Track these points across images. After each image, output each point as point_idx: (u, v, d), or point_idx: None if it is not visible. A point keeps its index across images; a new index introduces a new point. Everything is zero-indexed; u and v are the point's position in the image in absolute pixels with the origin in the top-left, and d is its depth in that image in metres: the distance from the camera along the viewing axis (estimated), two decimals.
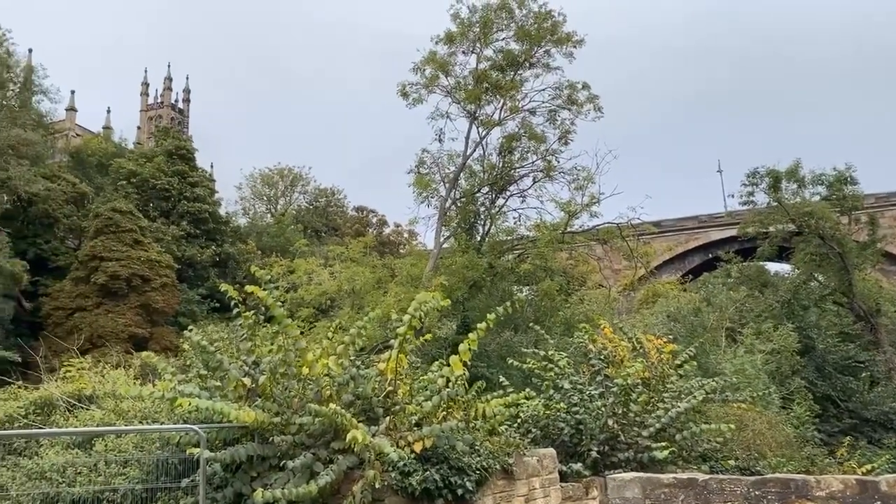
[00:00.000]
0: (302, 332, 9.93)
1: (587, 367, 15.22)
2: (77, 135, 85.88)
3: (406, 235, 70.86)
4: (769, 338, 25.92)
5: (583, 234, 30.05)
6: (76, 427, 9.87)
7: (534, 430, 12.91)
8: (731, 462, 13.74)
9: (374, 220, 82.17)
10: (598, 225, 29.43)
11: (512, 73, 29.44)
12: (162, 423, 9.44)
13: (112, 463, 8.74)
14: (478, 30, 29.14)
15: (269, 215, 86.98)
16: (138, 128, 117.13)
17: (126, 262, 46.39)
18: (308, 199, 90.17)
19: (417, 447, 8.58)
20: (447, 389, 9.28)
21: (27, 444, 9.61)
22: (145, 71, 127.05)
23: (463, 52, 30.01)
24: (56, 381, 12.07)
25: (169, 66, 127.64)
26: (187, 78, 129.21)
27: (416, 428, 9.07)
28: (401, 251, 62.75)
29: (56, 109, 68.28)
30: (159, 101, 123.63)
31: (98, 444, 9.22)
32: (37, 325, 47.36)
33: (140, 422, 9.81)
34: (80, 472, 8.84)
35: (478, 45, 29.51)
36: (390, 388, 9.19)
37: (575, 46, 29.45)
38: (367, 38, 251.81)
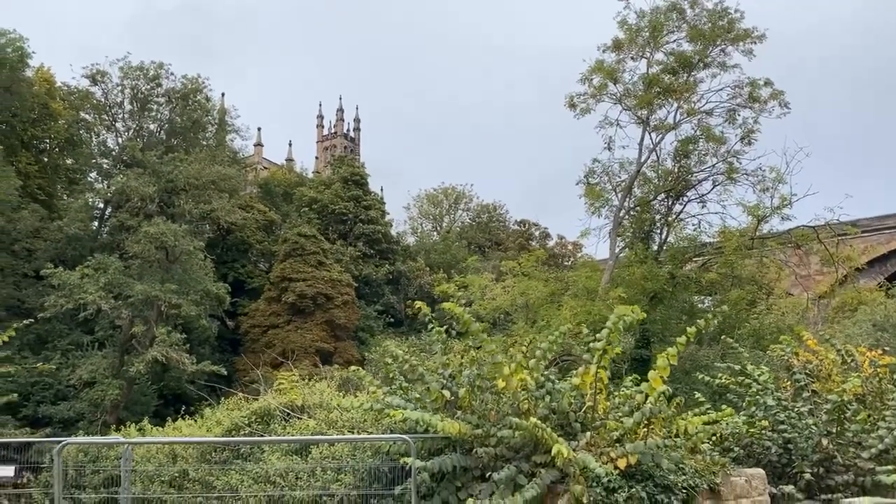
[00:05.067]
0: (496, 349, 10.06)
1: (790, 383, 14.08)
2: (264, 167, 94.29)
3: (570, 248, 69.99)
4: None
5: (773, 238, 28.00)
6: (293, 435, 10.72)
7: (736, 448, 12.12)
8: None
9: (537, 233, 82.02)
10: (791, 228, 27.32)
11: (685, 74, 28.28)
12: (370, 433, 9.98)
13: (328, 469, 9.39)
14: (647, 34, 28.38)
15: (435, 233, 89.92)
16: (316, 157, 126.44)
17: (311, 282, 50.08)
18: (471, 216, 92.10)
19: (621, 463, 8.38)
20: (649, 405, 8.97)
21: (252, 449, 10.56)
22: (319, 105, 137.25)
23: (631, 58, 29.39)
24: (270, 392, 13.22)
25: (340, 98, 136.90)
26: (357, 108, 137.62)
27: (616, 444, 8.86)
28: (565, 264, 62.02)
29: (246, 146, 75.67)
30: (333, 131, 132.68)
31: (314, 451, 9.95)
32: (237, 342, 52.40)
33: (349, 431, 10.45)
34: (299, 477, 9.58)
35: (647, 49, 28.74)
36: (589, 403, 9.06)
37: (754, 43, 27.77)
38: (524, 59, 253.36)
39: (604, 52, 29.39)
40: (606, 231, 29.11)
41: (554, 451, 7.90)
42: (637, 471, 8.46)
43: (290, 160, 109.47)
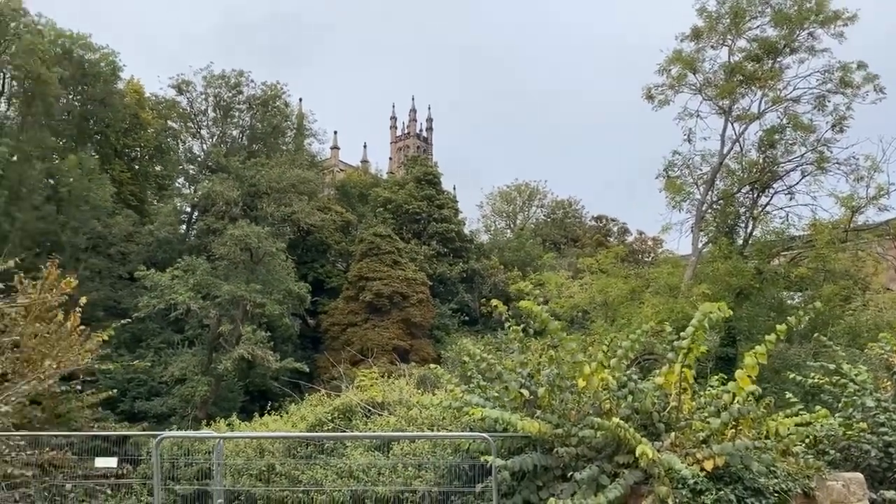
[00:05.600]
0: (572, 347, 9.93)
1: (891, 383, 13.28)
2: (341, 170, 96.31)
3: (650, 243, 68.29)
4: None
5: (870, 230, 26.49)
6: (374, 431, 10.92)
7: (832, 451, 11.52)
8: None
9: (615, 228, 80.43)
10: (890, 220, 25.78)
11: (770, 61, 27.09)
12: (449, 430, 10.05)
13: (409, 466, 9.51)
14: (728, 21, 27.34)
15: (508, 231, 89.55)
16: (390, 158, 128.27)
17: (387, 281, 50.85)
18: (545, 212, 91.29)
19: (708, 465, 8.11)
20: (736, 406, 8.65)
21: (335, 445, 10.81)
22: (393, 106, 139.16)
23: (711, 47, 28.43)
24: (351, 388, 13.51)
25: (413, 98, 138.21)
26: (429, 108, 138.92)
27: (703, 445, 8.58)
28: (645, 260, 60.57)
29: (323, 149, 77.58)
30: (406, 132, 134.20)
31: (395, 448, 10.10)
32: (317, 339, 53.79)
33: (428, 428, 10.56)
34: (381, 473, 9.75)
35: (728, 36, 27.71)
36: (674, 403, 8.81)
37: (845, 24, 26.29)
38: (602, 51, 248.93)
39: (682, 41, 28.54)
40: (688, 226, 28.31)
41: (637, 451, 7.73)
42: (725, 473, 8.18)
43: (365, 162, 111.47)
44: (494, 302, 11.02)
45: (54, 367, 12.00)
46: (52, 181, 48.34)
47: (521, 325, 10.92)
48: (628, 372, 9.68)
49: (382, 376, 15.93)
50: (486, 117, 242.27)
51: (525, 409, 9.57)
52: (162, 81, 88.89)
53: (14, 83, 49.14)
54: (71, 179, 46.74)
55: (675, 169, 29.32)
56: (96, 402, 14.29)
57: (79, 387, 13.62)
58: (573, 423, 8.98)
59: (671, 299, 22.27)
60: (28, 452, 10.16)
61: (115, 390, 20.95)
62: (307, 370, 42.33)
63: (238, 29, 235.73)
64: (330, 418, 11.82)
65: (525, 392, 9.50)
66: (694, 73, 28.45)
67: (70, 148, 51.59)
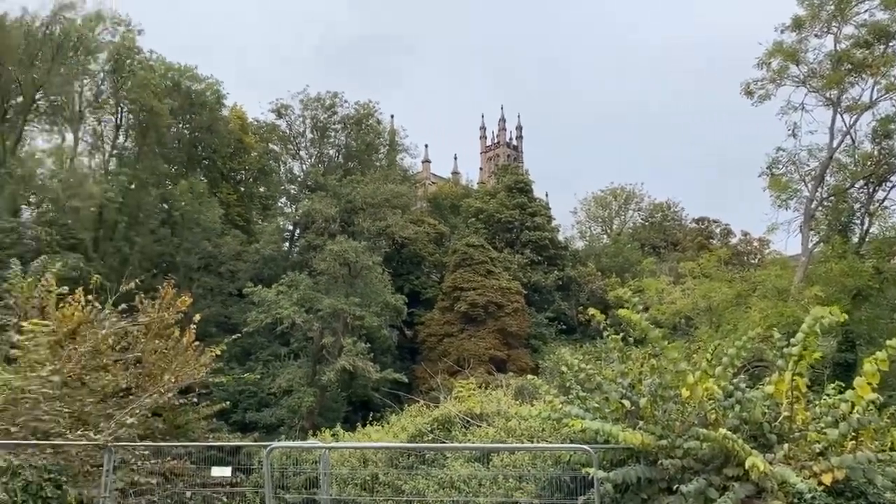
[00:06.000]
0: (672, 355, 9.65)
1: None
2: (432, 182, 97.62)
3: (756, 245, 65.14)
4: None
5: None
6: (474, 442, 10.98)
7: None
8: None
9: (718, 230, 77.22)
10: None
11: (881, 46, 25.35)
12: (549, 442, 9.97)
13: (510, 477, 9.50)
14: (832, 7, 25.80)
15: (604, 236, 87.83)
16: (480, 168, 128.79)
17: (482, 291, 50.96)
18: (643, 216, 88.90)
19: (826, 479, 7.65)
20: (856, 415, 8.13)
21: (436, 455, 10.94)
22: (482, 116, 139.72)
23: (815, 36, 26.95)
24: (450, 399, 13.65)
25: (502, 108, 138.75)
26: (518, 116, 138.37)
27: (819, 457, 8.11)
28: (751, 262, 57.82)
29: (415, 163, 79.03)
30: (496, 141, 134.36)
31: (495, 459, 10.11)
32: (415, 350, 54.59)
33: (528, 439, 10.51)
34: (482, 484, 9.78)
35: (833, 23, 26.15)
36: (786, 412, 8.38)
37: None
38: (690, 51, 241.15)
39: (782, 32, 27.22)
40: (797, 225, 26.90)
41: (748, 463, 7.41)
42: (846, 487, 7.70)
43: (455, 173, 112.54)
44: (591, 311, 10.86)
45: (173, 380, 12.79)
46: (166, 206, 51.86)
47: (621, 334, 10.72)
48: (735, 381, 9.30)
49: (480, 387, 15.99)
50: (576, 123, 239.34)
51: (627, 419, 9.36)
52: (262, 107, 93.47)
53: (130, 116, 53.05)
54: (183, 203, 49.94)
55: (780, 166, 27.94)
56: (211, 414, 15.10)
57: (195, 399, 14.44)
58: (678, 434, 8.72)
59: (780, 303, 21.14)
60: (152, 462, 10.86)
61: (227, 402, 22.11)
62: (406, 381, 43.05)
63: (333, 51, 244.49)
64: (430, 429, 11.97)
65: (626, 403, 9.30)
66: (797, 65, 27.05)
67: (181, 174, 55.14)
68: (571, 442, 9.20)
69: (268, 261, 52.70)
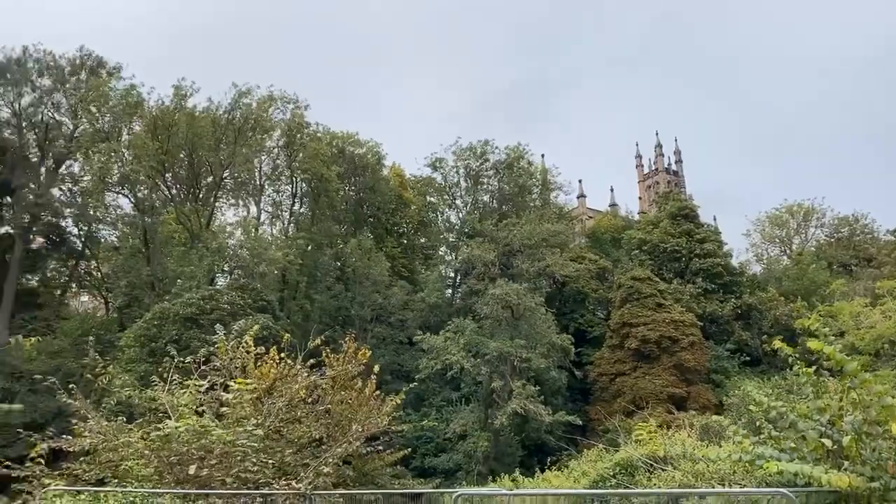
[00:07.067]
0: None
1: None
2: (589, 217, 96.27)
3: None
4: None
5: None
6: (660, 487, 10.56)
7: None
8: None
9: None
10: None
11: None
12: (742, 486, 9.37)
13: None
14: None
15: (784, 258, 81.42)
16: (639, 198, 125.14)
17: (653, 326, 48.94)
18: (827, 232, 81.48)
19: None
20: None
21: (620, 501, 10.64)
22: (636, 145, 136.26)
23: None
24: (630, 443, 13.25)
25: (657, 133, 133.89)
26: (676, 140, 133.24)
27: None
28: None
29: (570, 199, 78.60)
30: (653, 168, 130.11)
31: None
32: (586, 391, 53.29)
33: (718, 483, 9.93)
34: None
35: None
36: None
37: None
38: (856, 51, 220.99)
39: None
40: None
41: None
42: None
43: (613, 205, 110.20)
44: (776, 343, 10.20)
45: (360, 430, 13.59)
46: (338, 263, 55.64)
47: (814, 366, 9.96)
48: None
49: (660, 427, 15.39)
50: (741, 140, 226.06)
51: (829, 460, 8.63)
52: (418, 162, 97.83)
53: (304, 184, 57.94)
54: (353, 260, 53.37)
55: None
56: (395, 461, 15.80)
57: (380, 447, 15.20)
58: (892, 476, 7.89)
59: None
60: None
61: (408, 449, 22.98)
62: (580, 423, 42.18)
63: (480, 101, 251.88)
64: (612, 474, 11.69)
65: (827, 441, 8.58)
66: None
67: (350, 232, 59.04)
68: (767, 485, 8.60)
69: (433, 308, 54.47)
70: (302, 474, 11.49)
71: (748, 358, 53.98)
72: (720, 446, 11.59)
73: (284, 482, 10.50)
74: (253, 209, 58.76)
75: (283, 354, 14.73)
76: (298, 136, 55.66)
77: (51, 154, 53.83)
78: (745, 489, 8.96)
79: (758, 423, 9.36)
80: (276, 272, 48.27)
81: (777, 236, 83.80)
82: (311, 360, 15.43)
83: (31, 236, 53.02)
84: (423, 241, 68.84)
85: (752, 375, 46.17)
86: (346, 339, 16.53)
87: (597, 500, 10.62)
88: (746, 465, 9.18)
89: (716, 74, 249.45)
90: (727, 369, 51.93)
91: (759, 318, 57.00)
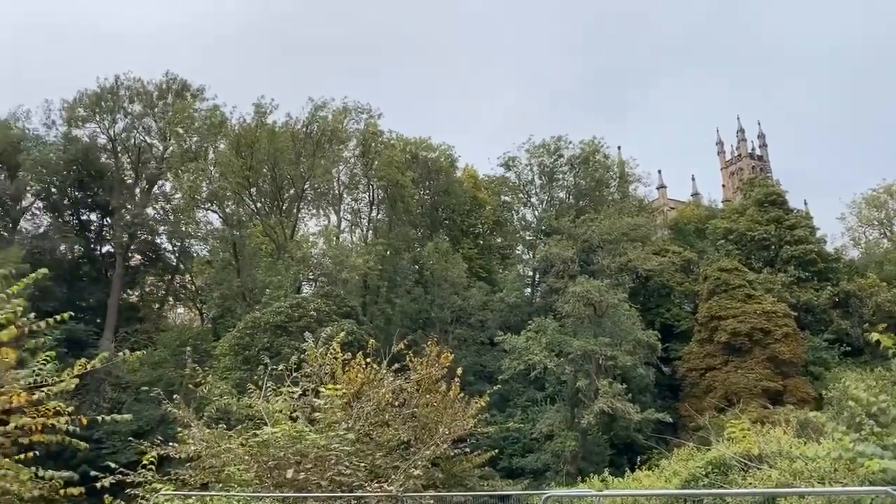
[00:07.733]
0: None
1: None
2: (671, 208, 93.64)
3: None
4: None
5: None
6: (756, 487, 10.26)
7: None
8: None
9: None
10: None
11: None
12: (843, 484, 9.01)
13: None
14: None
15: (885, 240, 76.65)
16: (722, 186, 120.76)
17: (743, 318, 47.18)
18: None
19: None
20: None
21: (714, 501, 10.42)
22: (717, 131, 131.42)
23: None
24: (722, 441, 12.90)
25: (738, 118, 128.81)
26: (759, 123, 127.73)
27: None
28: None
29: (650, 191, 76.78)
30: (736, 154, 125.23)
31: None
32: (675, 387, 51.87)
33: (818, 482, 9.57)
34: None
35: None
36: None
37: None
38: None
39: None
40: None
41: None
42: None
43: (695, 195, 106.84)
44: (875, 335, 9.72)
45: (447, 433, 13.78)
46: (417, 267, 56.39)
47: None
48: None
49: (755, 423, 14.91)
50: (823, 122, 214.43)
51: None
52: (492, 162, 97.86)
53: (380, 191, 59.08)
54: (431, 263, 53.95)
55: None
56: (483, 462, 15.92)
57: (467, 449, 15.37)
58: None
59: None
60: None
61: (495, 450, 23.08)
62: (670, 420, 41.13)
63: (549, 99, 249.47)
64: (704, 473, 11.43)
65: None
66: None
67: (426, 236, 59.75)
68: (871, 484, 8.24)
69: (513, 308, 54.31)
70: (392, 477, 11.79)
71: (849, 348, 51.14)
72: (820, 443, 11.15)
73: (376, 485, 10.80)
74: (333, 218, 60.44)
75: (368, 359, 15.10)
76: (373, 144, 56.84)
77: (144, 175, 57.26)
78: (847, 488, 8.62)
79: (857, 419, 8.97)
80: (357, 278, 49.37)
81: (875, 218, 78.89)
82: (396, 365, 15.74)
83: (130, 254, 56.52)
84: (499, 240, 68.76)
85: (854, 366, 43.76)
86: (428, 342, 16.77)
87: (690, 500, 10.42)
88: (847, 462, 8.82)
89: (793, 59, 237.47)
90: (826, 360, 49.39)
91: (860, 306, 53.89)
